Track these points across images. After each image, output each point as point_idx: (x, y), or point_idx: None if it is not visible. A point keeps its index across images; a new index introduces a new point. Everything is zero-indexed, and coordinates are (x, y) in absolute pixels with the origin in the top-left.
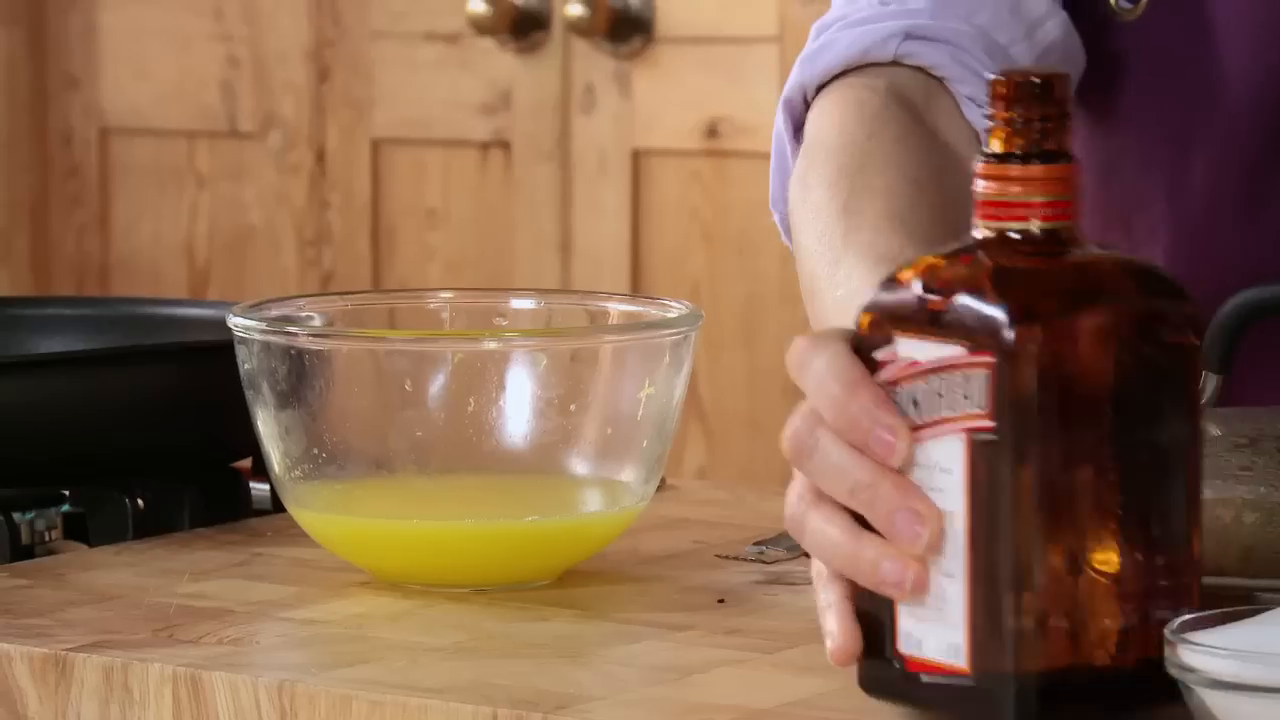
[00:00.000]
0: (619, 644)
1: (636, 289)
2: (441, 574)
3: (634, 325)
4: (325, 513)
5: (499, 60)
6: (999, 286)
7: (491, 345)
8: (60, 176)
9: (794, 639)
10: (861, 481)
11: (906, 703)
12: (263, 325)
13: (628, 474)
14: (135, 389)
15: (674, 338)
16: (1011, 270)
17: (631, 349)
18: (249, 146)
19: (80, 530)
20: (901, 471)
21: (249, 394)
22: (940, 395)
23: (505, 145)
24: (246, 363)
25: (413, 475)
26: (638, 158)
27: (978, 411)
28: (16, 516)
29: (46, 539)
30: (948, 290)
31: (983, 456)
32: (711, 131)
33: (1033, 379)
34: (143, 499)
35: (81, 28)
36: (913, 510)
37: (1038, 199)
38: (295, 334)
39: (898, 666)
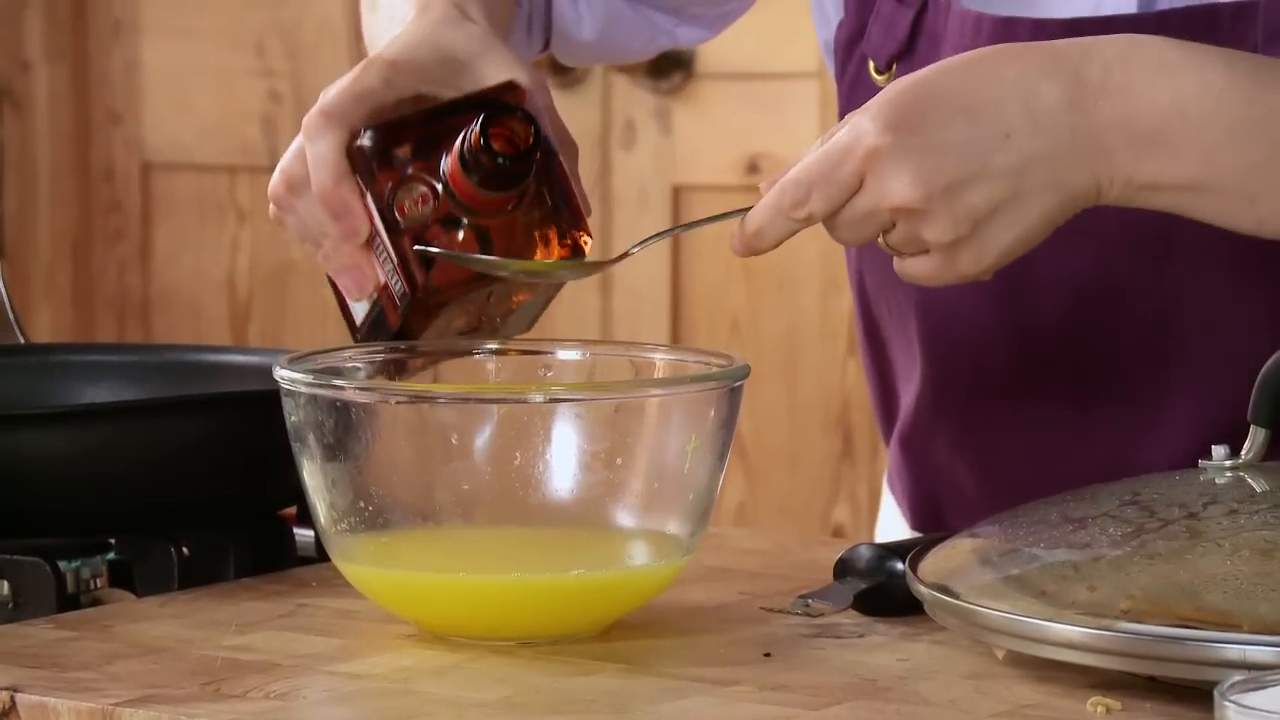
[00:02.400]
0: (666, 700)
1: (676, 324)
2: (487, 627)
3: (680, 379)
4: (371, 566)
5: None
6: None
7: (537, 399)
8: (102, 211)
9: (841, 694)
10: (330, 236)
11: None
12: (309, 378)
13: (674, 526)
14: (181, 439)
15: (719, 391)
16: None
17: (677, 402)
18: None
19: (126, 578)
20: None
21: (295, 446)
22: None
23: None
24: (293, 415)
25: (459, 528)
26: (678, 193)
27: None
28: (62, 565)
29: (92, 587)
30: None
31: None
32: (752, 167)
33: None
34: (188, 548)
35: (124, 63)
36: (359, 270)
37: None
38: (342, 387)
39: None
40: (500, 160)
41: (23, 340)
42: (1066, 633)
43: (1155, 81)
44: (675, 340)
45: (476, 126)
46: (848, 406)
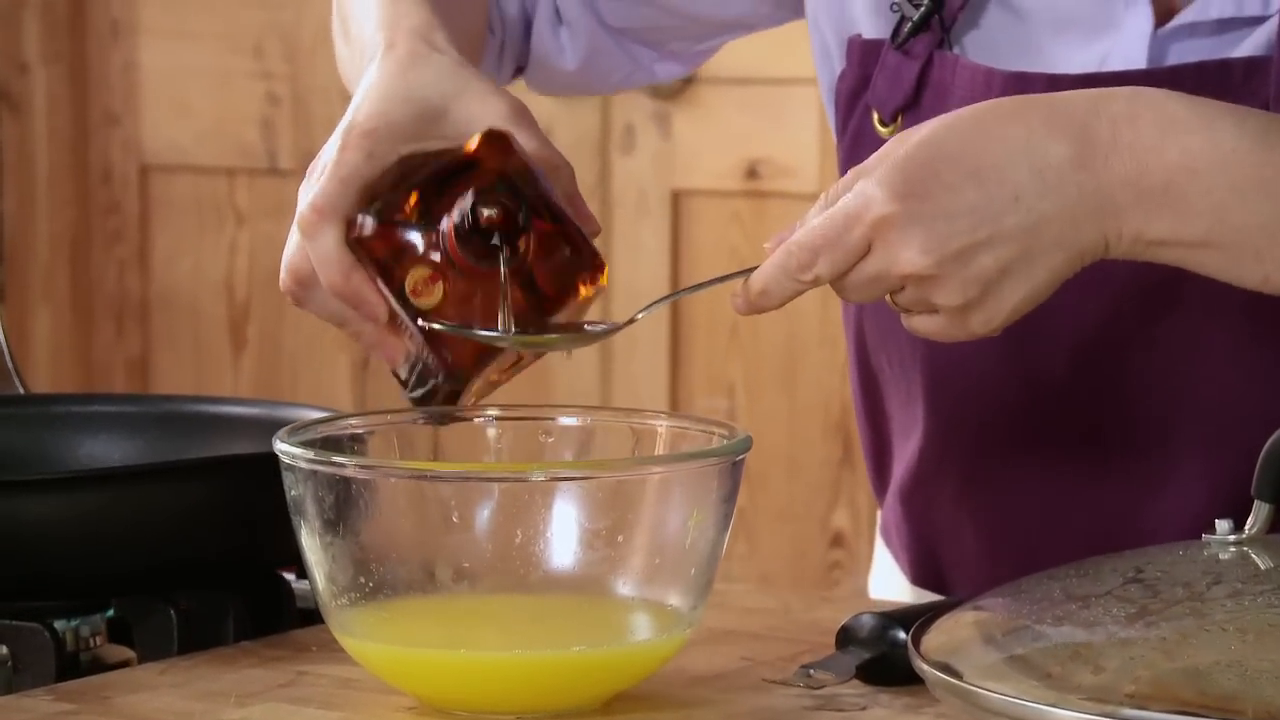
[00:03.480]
0: None
1: (676, 328)
2: (489, 703)
3: (681, 456)
4: (371, 641)
5: (539, 99)
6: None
7: (538, 478)
8: (101, 212)
9: None
10: (351, 319)
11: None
12: (309, 454)
13: (675, 599)
14: (180, 502)
15: (721, 466)
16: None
17: (678, 478)
18: (289, 184)
19: (126, 635)
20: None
21: (295, 519)
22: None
23: None
24: (293, 489)
25: (459, 604)
26: (677, 198)
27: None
28: (60, 624)
29: (92, 645)
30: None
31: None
32: (751, 172)
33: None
34: (187, 607)
35: (122, 65)
36: (388, 345)
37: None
38: (343, 464)
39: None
40: (492, 240)
41: (22, 390)
42: (1070, 719)
43: (1164, 139)
44: (674, 344)
45: (466, 207)
46: (847, 412)
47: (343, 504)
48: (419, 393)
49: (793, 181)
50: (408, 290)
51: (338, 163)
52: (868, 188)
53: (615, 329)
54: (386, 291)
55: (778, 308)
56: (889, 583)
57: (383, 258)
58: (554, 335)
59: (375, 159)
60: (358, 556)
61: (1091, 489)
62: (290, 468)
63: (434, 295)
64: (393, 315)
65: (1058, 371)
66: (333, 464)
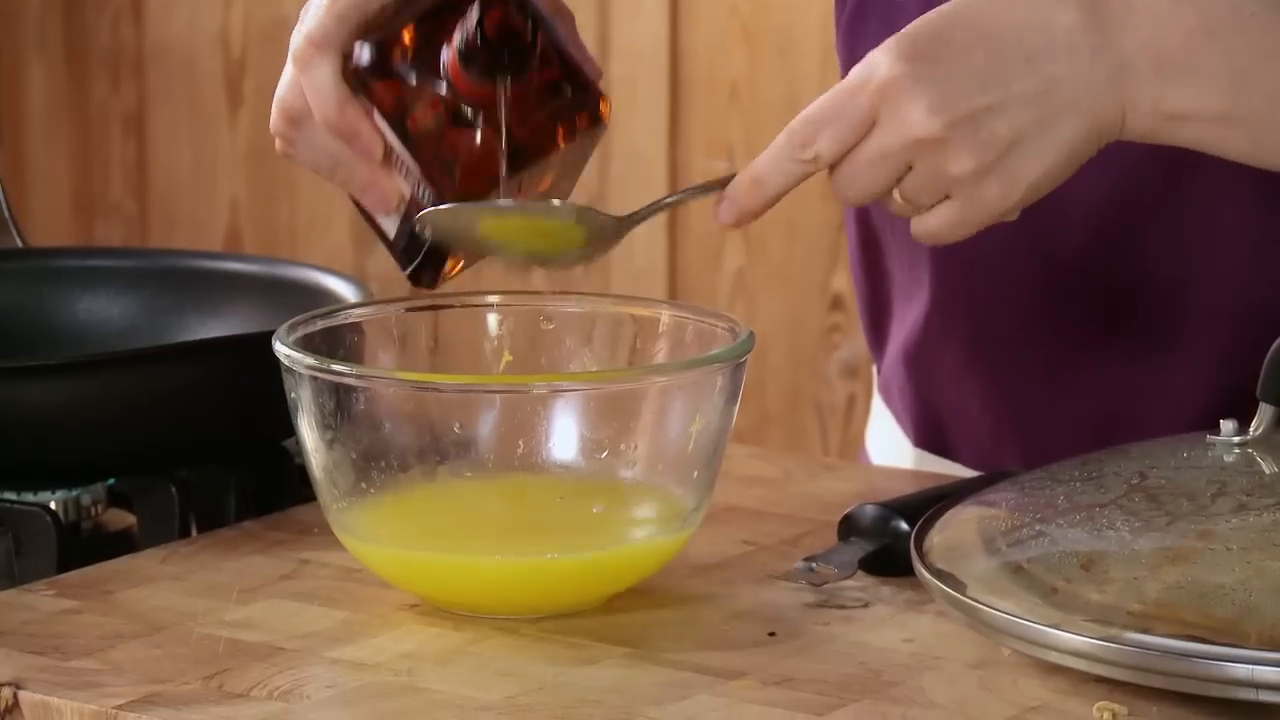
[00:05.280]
0: (670, 700)
1: (675, 89)
2: (491, 604)
3: (684, 364)
4: (373, 542)
5: None
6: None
7: (540, 390)
8: None
9: (845, 692)
10: (344, 161)
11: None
12: (309, 359)
13: (678, 501)
14: (178, 385)
15: (725, 369)
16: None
17: (681, 384)
18: None
19: (127, 502)
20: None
21: (295, 418)
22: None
23: None
24: (292, 391)
25: (462, 509)
26: None
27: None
28: (61, 494)
29: (93, 513)
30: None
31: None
32: None
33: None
34: (188, 481)
35: None
36: (379, 186)
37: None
38: (343, 373)
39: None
40: (501, 52)
41: (21, 244)
42: (1073, 642)
43: (1180, 3)
44: (674, 105)
45: (472, 22)
46: None
47: (343, 408)
48: (410, 265)
49: None
50: (408, 119)
51: None
52: (875, 55)
53: (611, 234)
54: (384, 125)
55: (770, 205)
56: (888, 442)
57: (380, 88)
58: (558, 205)
59: None
60: (358, 460)
61: (1101, 358)
62: (290, 370)
63: (435, 122)
64: (386, 155)
65: (1071, 238)
66: (331, 372)
